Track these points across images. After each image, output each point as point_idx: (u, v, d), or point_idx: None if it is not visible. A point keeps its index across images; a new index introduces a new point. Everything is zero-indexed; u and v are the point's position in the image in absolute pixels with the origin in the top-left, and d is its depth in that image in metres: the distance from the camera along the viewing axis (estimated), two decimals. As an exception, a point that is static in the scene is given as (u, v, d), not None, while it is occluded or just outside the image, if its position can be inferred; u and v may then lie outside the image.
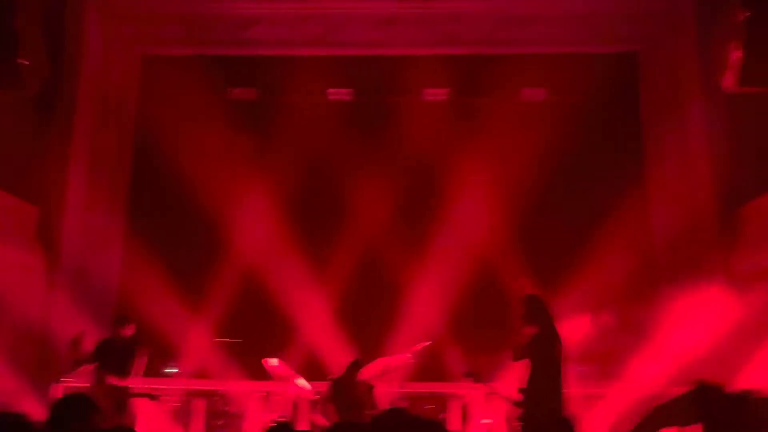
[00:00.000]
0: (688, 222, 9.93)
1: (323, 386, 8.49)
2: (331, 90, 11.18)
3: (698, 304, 9.45)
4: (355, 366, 8.05)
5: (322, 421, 7.79)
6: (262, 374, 8.99)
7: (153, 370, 9.09)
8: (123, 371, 7.79)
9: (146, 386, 9.46)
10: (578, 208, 10.37)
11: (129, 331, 8.00)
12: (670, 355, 8.91)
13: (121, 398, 7.66)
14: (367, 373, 7.91)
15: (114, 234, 10.54)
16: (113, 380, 7.67)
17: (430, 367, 9.42)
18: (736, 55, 6.95)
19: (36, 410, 9.03)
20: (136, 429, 9.08)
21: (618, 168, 10.40)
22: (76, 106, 10.24)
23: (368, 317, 10.10)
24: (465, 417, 9.47)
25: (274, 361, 8.00)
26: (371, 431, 4.11)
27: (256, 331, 9.63)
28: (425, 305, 10.01)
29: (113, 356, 7.83)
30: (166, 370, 9.88)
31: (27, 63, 8.26)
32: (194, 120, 10.54)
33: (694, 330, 8.87)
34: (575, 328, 8.13)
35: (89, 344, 7.87)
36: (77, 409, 3.83)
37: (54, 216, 9.83)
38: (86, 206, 10.28)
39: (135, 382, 7.91)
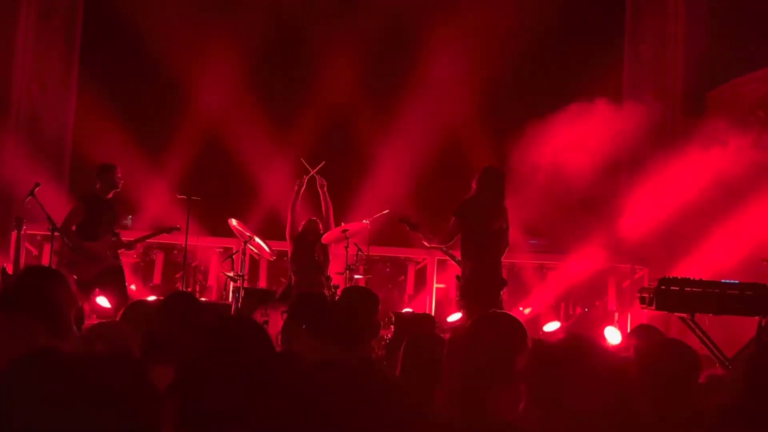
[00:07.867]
0: (656, 106, 9.94)
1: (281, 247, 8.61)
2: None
3: (651, 185, 9.67)
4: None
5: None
6: (221, 232, 9.05)
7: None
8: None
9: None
10: (552, 84, 10.20)
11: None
12: (623, 232, 9.21)
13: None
14: (328, 237, 8.05)
15: (68, 84, 10.02)
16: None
17: (391, 233, 9.58)
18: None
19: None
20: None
21: (596, 48, 10.17)
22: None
23: (332, 181, 10.08)
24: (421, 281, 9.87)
25: (233, 221, 8.05)
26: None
27: (216, 190, 9.56)
28: (390, 172, 10.02)
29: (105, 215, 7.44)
30: (124, 222, 9.79)
31: None
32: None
33: (644, 208, 9.12)
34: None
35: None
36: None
37: (2, 63, 9.31)
38: (37, 56, 9.71)
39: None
